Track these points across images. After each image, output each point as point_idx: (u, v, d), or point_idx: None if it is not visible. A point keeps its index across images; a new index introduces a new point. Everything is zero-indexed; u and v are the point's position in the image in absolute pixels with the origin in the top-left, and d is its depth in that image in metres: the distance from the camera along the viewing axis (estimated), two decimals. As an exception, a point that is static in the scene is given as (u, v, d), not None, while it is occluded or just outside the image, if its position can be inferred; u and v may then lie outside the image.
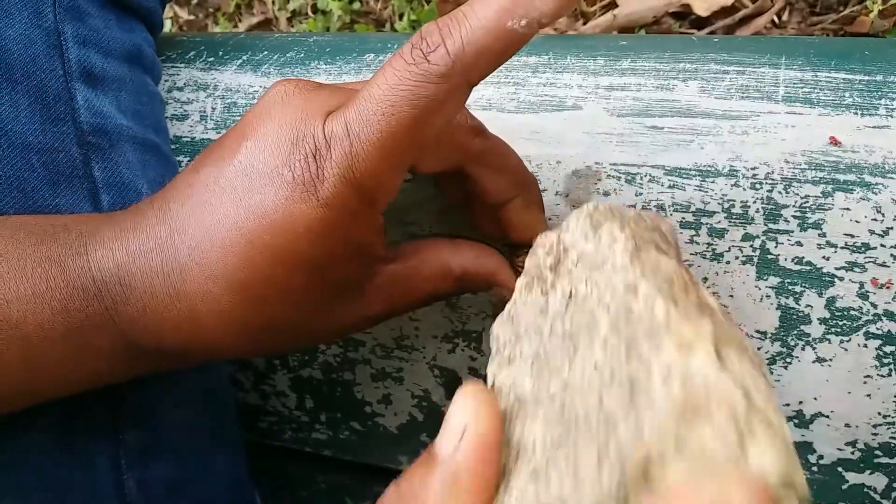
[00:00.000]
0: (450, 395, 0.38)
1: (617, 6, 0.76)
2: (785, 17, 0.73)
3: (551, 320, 0.21)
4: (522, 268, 0.29)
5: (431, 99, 0.22)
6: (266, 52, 0.39)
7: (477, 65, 0.22)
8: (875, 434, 0.31)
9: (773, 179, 0.29)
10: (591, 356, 0.19)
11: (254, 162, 0.24)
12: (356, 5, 0.88)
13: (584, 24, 0.77)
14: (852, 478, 0.32)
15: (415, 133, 0.23)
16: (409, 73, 0.22)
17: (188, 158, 0.37)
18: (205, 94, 0.38)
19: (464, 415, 0.19)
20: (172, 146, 0.37)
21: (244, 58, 0.39)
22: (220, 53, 0.39)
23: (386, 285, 0.27)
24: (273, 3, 0.93)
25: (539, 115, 0.32)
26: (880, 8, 0.68)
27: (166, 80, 0.39)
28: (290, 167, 0.23)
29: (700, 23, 0.75)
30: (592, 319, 0.19)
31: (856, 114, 0.28)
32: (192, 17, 0.99)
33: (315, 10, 0.91)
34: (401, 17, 0.86)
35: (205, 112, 0.37)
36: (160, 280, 0.25)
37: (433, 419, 0.39)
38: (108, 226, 0.26)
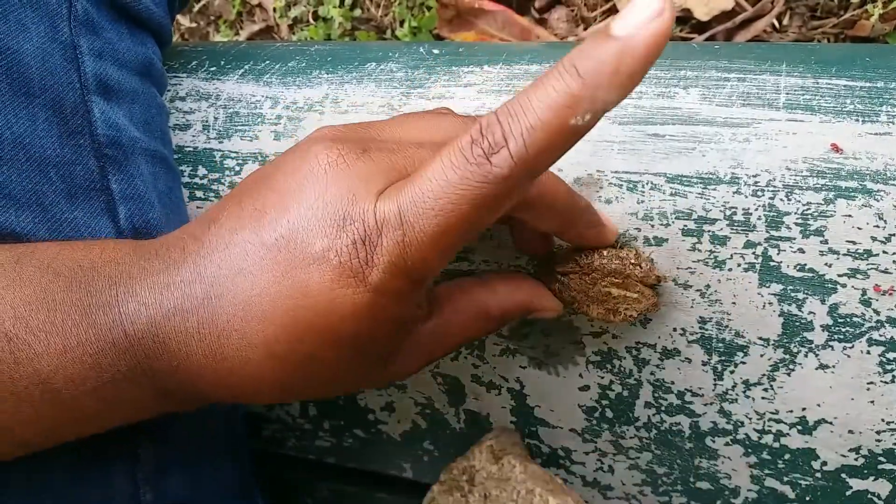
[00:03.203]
0: (452, 402, 0.38)
1: (617, 11, 0.76)
2: (785, 21, 0.73)
3: None
4: (564, 274, 0.30)
5: (493, 199, 0.22)
6: (268, 62, 0.39)
7: (540, 163, 0.22)
8: (879, 440, 0.31)
9: (774, 186, 0.29)
10: None
11: (297, 239, 0.23)
12: (357, 12, 0.89)
13: (585, 29, 0.77)
14: (856, 484, 0.32)
15: (472, 227, 0.23)
16: (470, 174, 0.22)
17: (190, 168, 0.37)
18: (207, 103, 0.38)
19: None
20: (175, 156, 0.37)
21: (246, 67, 0.39)
22: (222, 63, 0.40)
23: (424, 343, 0.27)
24: (274, 10, 0.93)
25: (540, 123, 0.32)
26: (881, 11, 0.68)
27: (169, 90, 0.39)
28: (336, 252, 0.23)
29: (700, 27, 0.75)
30: None
31: (857, 120, 0.28)
32: (193, 25, 1.00)
33: (316, 17, 0.91)
34: (401, 23, 0.86)
35: (207, 122, 0.38)
36: (196, 342, 0.24)
37: (436, 426, 0.39)
38: (139, 275, 0.25)
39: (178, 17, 1.00)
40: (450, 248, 0.23)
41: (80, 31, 0.32)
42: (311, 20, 0.92)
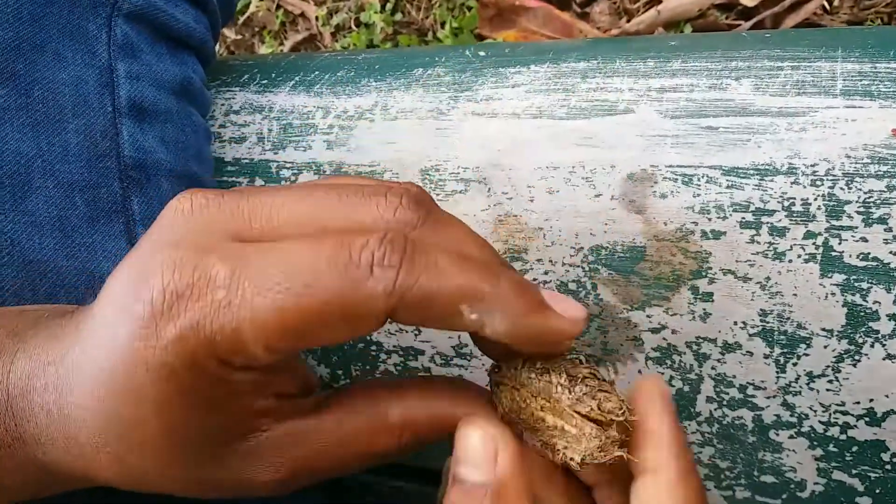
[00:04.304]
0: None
1: (661, 2, 0.75)
2: (836, 2, 0.71)
3: None
4: (497, 384, 0.23)
5: (348, 310, 0.19)
6: (317, 73, 0.39)
7: (413, 312, 0.19)
8: (952, 431, 0.30)
9: (834, 175, 0.28)
10: None
11: (126, 281, 0.21)
12: (398, 16, 0.89)
13: (628, 21, 0.77)
14: (930, 476, 0.31)
15: (310, 329, 0.19)
16: (342, 270, 0.19)
17: (248, 179, 0.38)
18: (261, 116, 0.39)
19: (490, 443, 0.21)
20: (232, 168, 0.39)
21: (296, 79, 0.40)
22: (273, 75, 0.41)
23: (285, 445, 0.22)
24: (317, 19, 0.95)
25: (590, 120, 0.32)
26: (936, -13, 0.66)
27: (223, 104, 0.40)
28: (144, 297, 0.20)
29: (747, 13, 0.74)
30: None
31: (918, 104, 0.28)
32: (238, 37, 1.02)
33: (358, 23, 0.92)
34: (443, 25, 0.86)
35: (262, 134, 0.39)
36: (54, 397, 0.22)
37: (495, 425, 0.39)
38: (43, 332, 0.23)
39: (223, 29, 1.03)
40: (278, 335, 0.19)
41: (118, 56, 0.32)
42: (354, 27, 0.93)
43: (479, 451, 0.21)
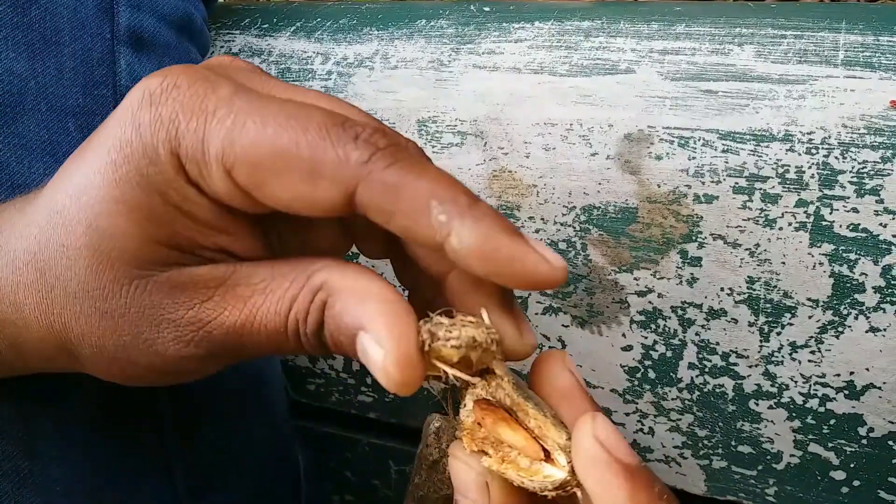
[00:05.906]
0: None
1: (669, -18, 0.74)
2: (844, -8, 0.71)
3: None
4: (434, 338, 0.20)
5: (320, 166, 0.18)
6: (319, 19, 0.39)
7: (375, 194, 0.18)
8: (929, 407, 0.30)
9: (829, 144, 0.28)
10: None
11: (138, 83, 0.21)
12: (405, -18, 0.89)
13: (635, 0, 0.76)
14: (904, 451, 0.31)
15: (272, 170, 0.19)
16: (331, 127, 0.19)
17: (243, 122, 0.38)
18: (259, 59, 0.39)
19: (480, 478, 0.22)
20: (228, 110, 0.38)
21: (298, 24, 0.39)
22: (275, 20, 0.40)
23: (211, 281, 0.21)
24: (323, -21, 0.94)
25: (591, 78, 0.32)
26: (946, -17, 0.66)
27: (222, 47, 0.40)
28: (145, 84, 0.20)
29: (755, -1, 0.73)
30: None
31: (919, 78, 0.28)
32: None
33: (364, -14, 0.92)
34: (449, -7, 0.86)
35: (260, 77, 0.38)
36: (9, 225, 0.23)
37: (477, 385, 0.40)
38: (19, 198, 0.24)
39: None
40: (241, 162, 0.19)
41: None
42: (359, -10, 0.92)
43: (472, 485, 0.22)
